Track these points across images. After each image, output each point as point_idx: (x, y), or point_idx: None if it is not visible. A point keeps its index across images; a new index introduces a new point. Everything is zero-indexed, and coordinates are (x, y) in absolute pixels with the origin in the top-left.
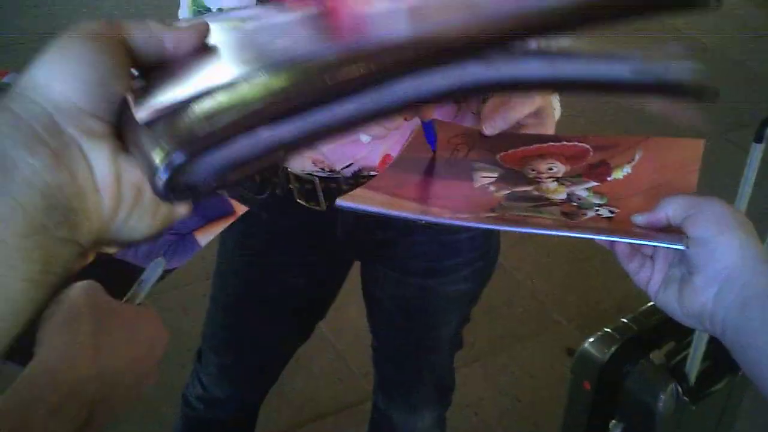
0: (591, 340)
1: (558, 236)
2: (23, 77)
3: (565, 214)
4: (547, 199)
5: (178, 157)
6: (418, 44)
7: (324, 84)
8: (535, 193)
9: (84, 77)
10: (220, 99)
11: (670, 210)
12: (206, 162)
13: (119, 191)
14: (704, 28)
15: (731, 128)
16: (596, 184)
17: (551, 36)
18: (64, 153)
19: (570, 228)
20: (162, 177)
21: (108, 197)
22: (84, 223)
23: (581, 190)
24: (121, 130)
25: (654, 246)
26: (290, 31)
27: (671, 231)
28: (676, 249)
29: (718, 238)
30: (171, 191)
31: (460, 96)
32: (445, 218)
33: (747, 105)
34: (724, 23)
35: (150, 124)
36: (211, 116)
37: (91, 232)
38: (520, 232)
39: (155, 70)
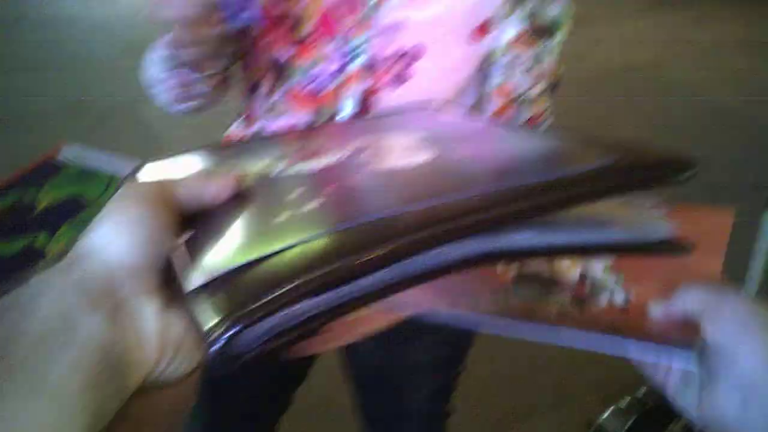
0: (607, 414)
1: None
2: (82, 241)
3: (575, 300)
4: (559, 280)
5: (232, 329)
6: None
7: (375, 254)
8: (547, 275)
9: (138, 238)
10: (275, 266)
11: (689, 302)
12: (254, 331)
13: (164, 344)
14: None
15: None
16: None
17: (541, 215)
18: (119, 311)
19: (578, 324)
20: (215, 347)
21: (154, 350)
22: (132, 376)
23: (597, 267)
24: (167, 283)
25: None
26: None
27: (689, 327)
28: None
29: (739, 345)
30: (219, 359)
31: (471, 265)
32: (441, 310)
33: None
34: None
35: (200, 288)
36: (267, 285)
37: (136, 383)
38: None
39: (196, 219)
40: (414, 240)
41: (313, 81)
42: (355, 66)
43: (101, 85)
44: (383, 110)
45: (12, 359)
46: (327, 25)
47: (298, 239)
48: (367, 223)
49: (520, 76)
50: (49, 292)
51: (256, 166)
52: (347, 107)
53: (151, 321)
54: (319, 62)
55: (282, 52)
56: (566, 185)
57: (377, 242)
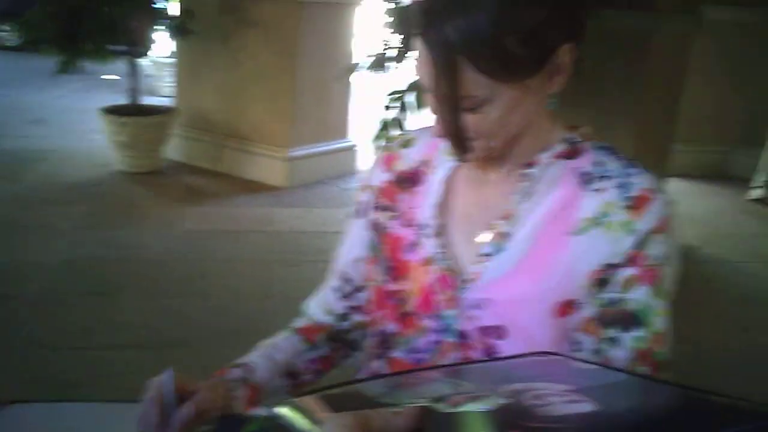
0: None
1: None
2: None
3: None
4: None
5: None
6: None
7: None
8: None
9: None
10: None
11: None
12: None
13: None
14: None
15: None
16: None
17: None
18: None
19: None
20: None
21: None
22: None
23: None
24: None
25: None
26: None
27: None
28: None
29: None
30: None
31: None
32: None
33: None
34: None
35: None
36: None
37: None
38: None
39: None
40: None
41: (415, 353)
42: (448, 339)
43: None
44: (505, 356)
45: None
46: (427, 301)
47: None
48: None
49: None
50: None
51: (419, 400)
52: None
53: None
54: (420, 335)
55: (389, 325)
56: None
57: None
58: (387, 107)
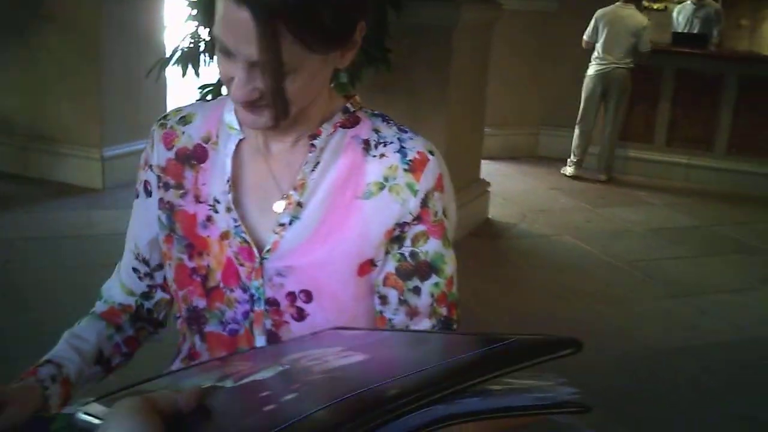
0: None
1: None
2: None
3: None
4: None
5: None
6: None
7: None
8: None
9: None
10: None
11: None
12: None
13: None
14: None
15: None
16: None
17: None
18: None
19: None
20: None
21: None
22: None
23: None
24: None
25: None
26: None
27: None
28: None
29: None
30: None
31: (438, 424)
32: None
33: None
34: None
35: None
36: None
37: None
38: None
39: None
40: (403, 403)
41: (229, 324)
42: (258, 307)
43: None
44: (289, 338)
45: None
46: (231, 274)
47: (302, 414)
48: (356, 396)
49: (392, 311)
50: None
51: (204, 383)
52: (260, 343)
53: None
54: (231, 307)
55: (198, 301)
56: (486, 362)
57: (373, 406)
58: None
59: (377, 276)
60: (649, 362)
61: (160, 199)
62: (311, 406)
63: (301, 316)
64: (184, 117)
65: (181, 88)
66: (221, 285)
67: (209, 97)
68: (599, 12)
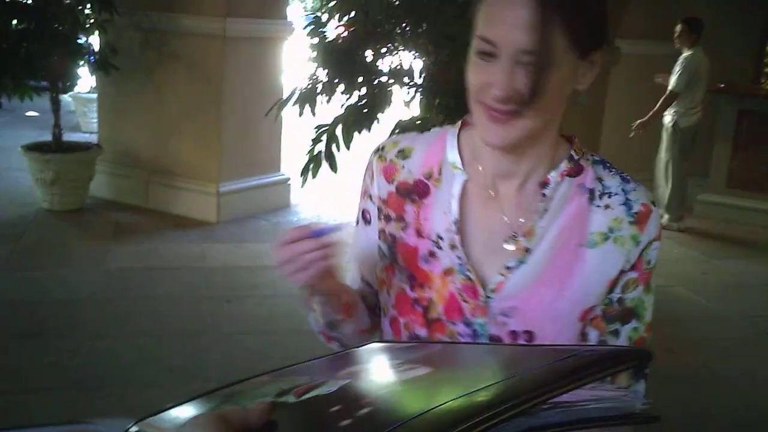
0: None
1: None
2: None
3: None
4: None
5: None
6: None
7: None
8: None
9: None
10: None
11: None
12: None
13: None
14: None
15: None
16: None
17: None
18: None
19: None
20: None
21: None
22: None
23: None
24: None
25: None
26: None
27: None
28: None
29: None
30: None
31: None
32: None
33: None
34: None
35: None
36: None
37: None
38: None
39: None
40: (492, 415)
41: None
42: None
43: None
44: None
45: None
46: (453, 308)
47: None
48: (440, 409)
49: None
50: None
51: (265, 398)
52: None
53: None
54: (452, 340)
55: (418, 330)
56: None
57: (462, 418)
58: (314, 141)
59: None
60: (760, 423)
61: (381, 230)
62: (392, 420)
63: None
64: (403, 151)
65: (296, 128)
66: (443, 318)
67: (324, 138)
68: (694, 59)
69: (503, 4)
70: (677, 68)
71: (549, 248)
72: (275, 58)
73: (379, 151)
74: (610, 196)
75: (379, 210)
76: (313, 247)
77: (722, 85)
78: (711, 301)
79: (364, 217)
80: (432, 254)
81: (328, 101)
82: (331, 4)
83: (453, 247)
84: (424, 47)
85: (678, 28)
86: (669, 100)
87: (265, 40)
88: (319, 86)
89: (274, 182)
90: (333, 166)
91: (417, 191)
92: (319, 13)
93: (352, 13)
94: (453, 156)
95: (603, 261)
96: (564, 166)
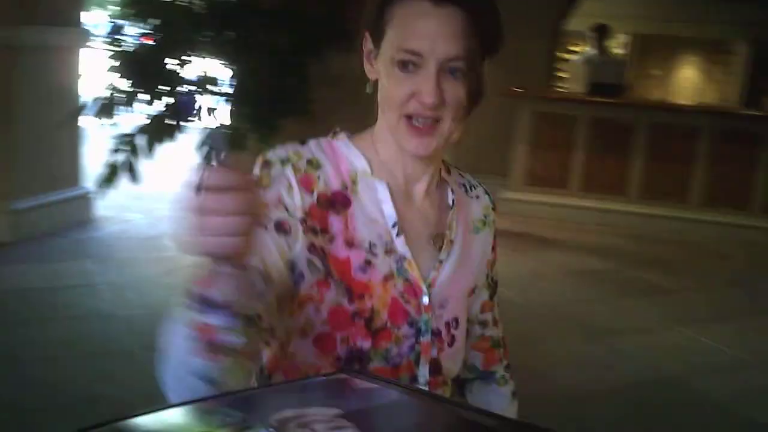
0: None
1: None
2: None
3: None
4: None
5: None
6: None
7: None
8: None
9: None
10: None
11: None
12: None
13: None
14: None
15: None
16: None
17: None
18: None
19: None
20: None
21: None
22: None
23: None
24: None
25: None
26: None
27: None
28: None
29: None
30: None
31: None
32: None
33: None
34: None
35: None
36: None
37: None
38: None
39: None
40: None
41: (392, 359)
42: (425, 339)
43: (121, 378)
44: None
45: None
46: (397, 312)
47: None
48: None
49: (491, 329)
50: None
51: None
52: (424, 373)
53: None
54: (397, 344)
55: (361, 342)
56: None
57: None
58: (115, 150)
59: (473, 304)
60: (563, 402)
61: (311, 245)
62: None
63: (453, 341)
64: (311, 161)
65: (99, 140)
66: (388, 324)
67: (124, 147)
68: None
69: (424, 16)
70: None
71: (461, 238)
72: (71, 68)
73: (285, 161)
74: (474, 188)
75: (303, 222)
76: (242, 200)
77: (520, 90)
78: (515, 293)
79: (282, 228)
80: (368, 263)
81: (129, 110)
82: (131, 11)
83: (387, 252)
84: (231, 55)
85: None
86: None
87: (61, 49)
88: (119, 96)
89: (74, 197)
90: (134, 177)
91: (338, 201)
92: (118, 21)
93: (156, 21)
94: (361, 164)
95: (484, 244)
96: (442, 164)
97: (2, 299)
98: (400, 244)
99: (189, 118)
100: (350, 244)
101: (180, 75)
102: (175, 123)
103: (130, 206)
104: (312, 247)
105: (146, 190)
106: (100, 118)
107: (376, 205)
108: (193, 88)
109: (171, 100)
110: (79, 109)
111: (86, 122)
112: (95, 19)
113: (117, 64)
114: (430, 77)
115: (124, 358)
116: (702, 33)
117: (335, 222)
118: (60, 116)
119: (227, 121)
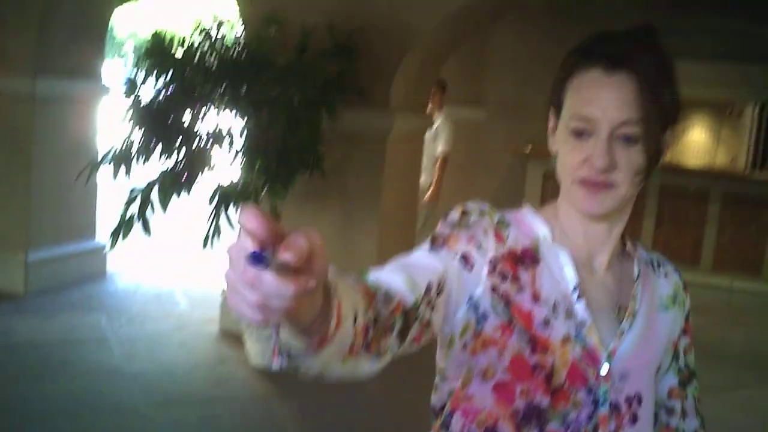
0: None
1: None
2: None
3: None
4: None
5: None
6: None
7: None
8: None
9: None
10: None
11: None
12: None
13: None
14: None
15: None
16: None
17: None
18: None
19: None
20: None
21: None
22: None
23: None
24: None
25: None
26: None
27: None
28: None
29: None
30: None
31: None
32: None
33: None
34: None
35: None
36: None
37: None
38: None
39: None
40: None
41: (570, 425)
42: (602, 411)
43: None
44: None
45: None
46: (577, 375)
47: None
48: None
49: (677, 420)
50: None
51: None
52: None
53: None
54: (575, 409)
55: (540, 398)
56: None
57: None
58: (127, 203)
59: (659, 385)
60: None
61: (494, 287)
62: None
63: (634, 419)
64: (502, 221)
65: (113, 194)
66: (566, 385)
67: (138, 200)
68: (450, 117)
69: (597, 84)
70: (441, 132)
71: (646, 312)
72: (88, 120)
73: (483, 213)
74: (661, 266)
75: (491, 264)
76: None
77: (528, 149)
78: None
79: (466, 261)
80: (547, 322)
81: (144, 163)
82: (147, 63)
83: (568, 315)
84: (243, 109)
85: (432, 90)
86: (445, 163)
87: (79, 102)
88: (135, 148)
89: (89, 250)
90: (146, 230)
91: (528, 258)
92: (134, 74)
93: (169, 74)
94: (544, 232)
95: (670, 323)
96: (624, 238)
97: (15, 351)
98: (580, 309)
99: (202, 172)
100: (536, 298)
101: (194, 128)
102: (188, 176)
103: (143, 260)
104: (495, 291)
105: (160, 243)
106: (116, 171)
107: (559, 269)
108: (207, 141)
109: (184, 152)
110: (98, 163)
111: (102, 174)
112: (113, 69)
113: (132, 116)
114: (601, 142)
115: (130, 414)
116: (712, 94)
117: (524, 275)
118: (77, 168)
119: (239, 175)
